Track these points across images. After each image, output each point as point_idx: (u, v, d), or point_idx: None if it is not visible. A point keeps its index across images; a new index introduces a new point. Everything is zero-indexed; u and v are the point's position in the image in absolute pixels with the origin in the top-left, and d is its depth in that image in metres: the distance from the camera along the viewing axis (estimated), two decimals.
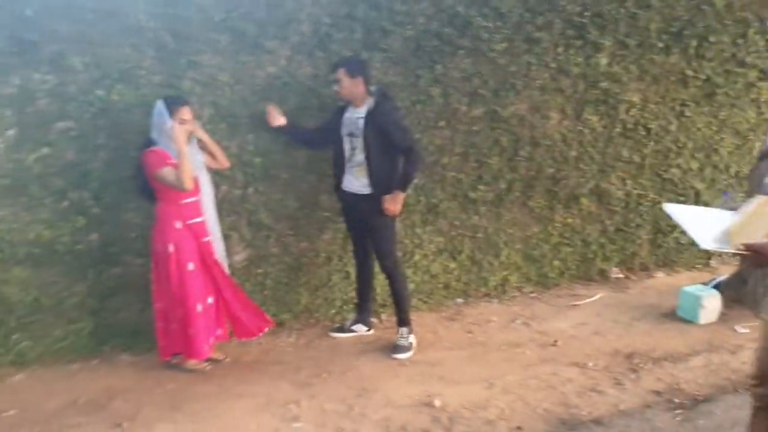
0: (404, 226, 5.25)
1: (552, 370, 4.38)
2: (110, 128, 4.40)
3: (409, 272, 5.32)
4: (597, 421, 3.77)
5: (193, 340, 4.30)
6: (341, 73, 4.38)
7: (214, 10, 4.43)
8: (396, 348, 4.64)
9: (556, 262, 5.86)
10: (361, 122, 4.39)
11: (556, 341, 4.79)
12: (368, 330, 4.99)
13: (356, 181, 4.54)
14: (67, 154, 4.37)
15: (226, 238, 4.75)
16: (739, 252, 2.57)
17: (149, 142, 4.14)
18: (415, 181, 5.09)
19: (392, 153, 4.41)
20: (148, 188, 4.18)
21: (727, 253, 5.34)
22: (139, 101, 4.37)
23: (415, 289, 5.39)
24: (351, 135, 4.46)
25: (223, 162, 4.48)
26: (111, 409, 3.97)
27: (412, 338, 4.70)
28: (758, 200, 2.70)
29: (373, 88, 4.48)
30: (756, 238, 2.51)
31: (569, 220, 5.78)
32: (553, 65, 5.35)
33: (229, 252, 4.80)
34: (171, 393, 4.16)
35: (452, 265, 5.52)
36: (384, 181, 4.44)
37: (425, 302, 5.43)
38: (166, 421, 3.82)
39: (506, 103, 5.30)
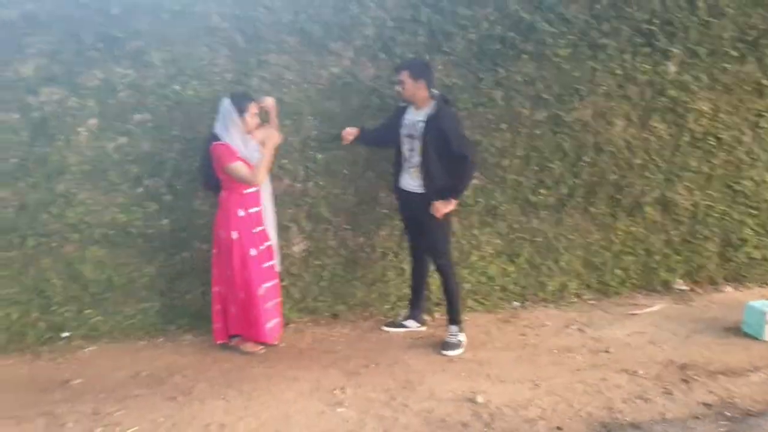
0: (462, 226, 5.33)
1: (600, 376, 4.35)
2: (184, 121, 4.71)
3: (465, 273, 5.40)
4: (636, 426, 3.74)
5: (256, 322, 4.54)
6: (405, 75, 4.49)
7: (283, 13, 4.69)
8: (445, 345, 4.72)
9: (618, 271, 5.78)
10: (421, 126, 4.50)
11: (608, 348, 4.76)
12: (420, 326, 5.08)
13: (412, 181, 4.65)
14: (144, 144, 4.70)
15: (286, 229, 4.99)
16: None
17: (215, 136, 4.39)
18: (475, 181, 5.18)
19: (449, 158, 4.49)
20: (213, 178, 4.43)
21: None
22: (212, 96, 4.66)
23: (471, 290, 5.46)
24: (410, 137, 4.58)
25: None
26: (170, 383, 4.24)
27: (461, 336, 4.77)
28: None
29: (435, 93, 4.59)
30: None
31: (632, 229, 5.71)
32: (618, 72, 5.33)
33: (289, 242, 5.04)
34: (226, 372, 4.39)
35: (510, 268, 5.55)
36: (438, 184, 4.53)
37: (481, 303, 5.48)
38: (218, 397, 4.05)
39: (570, 108, 5.31)
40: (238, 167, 4.32)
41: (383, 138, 4.80)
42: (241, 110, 4.31)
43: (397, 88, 4.56)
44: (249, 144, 4.42)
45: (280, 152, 4.84)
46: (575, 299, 5.68)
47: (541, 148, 5.34)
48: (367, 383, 4.25)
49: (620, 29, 5.24)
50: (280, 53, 4.76)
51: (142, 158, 4.71)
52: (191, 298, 4.99)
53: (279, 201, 4.93)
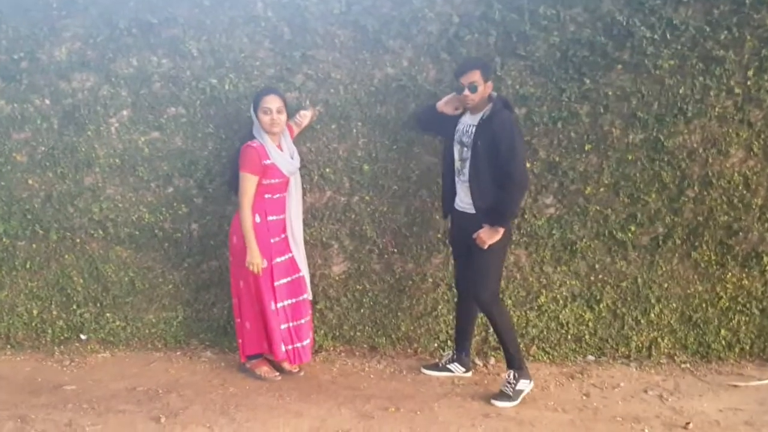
0: (531, 261, 4.58)
1: None
2: (220, 118, 4.34)
3: (531, 316, 4.63)
4: None
5: (270, 338, 4.07)
6: (477, 75, 3.78)
7: (335, 3, 4.20)
8: (498, 394, 4.00)
9: (724, 332, 4.75)
10: (473, 130, 3.85)
11: (688, 423, 3.80)
12: (466, 371, 4.36)
13: (466, 198, 3.97)
14: (176, 140, 4.38)
15: (326, 246, 4.49)
16: None
17: (252, 134, 3.97)
18: (550, 209, 4.45)
19: (497, 172, 3.78)
20: (237, 180, 3.99)
21: None
22: (250, 92, 4.25)
23: (537, 336, 4.67)
24: (462, 144, 3.93)
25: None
26: (162, 402, 3.84)
27: (522, 385, 4.00)
28: None
29: (493, 94, 3.93)
30: None
31: (745, 282, 4.67)
32: (738, 91, 4.38)
33: (328, 261, 4.52)
34: (228, 397, 3.93)
35: (588, 315, 4.69)
36: (489, 203, 3.83)
37: (547, 353, 4.67)
38: (205, 423, 3.60)
39: (672, 131, 4.42)
40: (246, 179, 3.86)
41: (431, 123, 4.19)
42: (255, 106, 3.86)
43: (466, 93, 3.82)
44: (284, 148, 3.97)
45: (323, 161, 4.38)
46: (665, 360, 4.71)
47: (634, 176, 4.48)
48: (377, 429, 3.62)
49: (743, 39, 4.31)
50: (329, 49, 4.27)
51: (174, 155, 4.37)
52: (217, 311, 4.59)
53: (319, 214, 4.45)
